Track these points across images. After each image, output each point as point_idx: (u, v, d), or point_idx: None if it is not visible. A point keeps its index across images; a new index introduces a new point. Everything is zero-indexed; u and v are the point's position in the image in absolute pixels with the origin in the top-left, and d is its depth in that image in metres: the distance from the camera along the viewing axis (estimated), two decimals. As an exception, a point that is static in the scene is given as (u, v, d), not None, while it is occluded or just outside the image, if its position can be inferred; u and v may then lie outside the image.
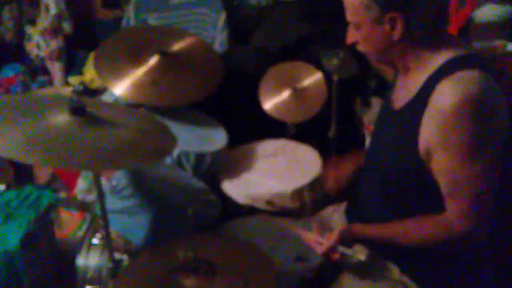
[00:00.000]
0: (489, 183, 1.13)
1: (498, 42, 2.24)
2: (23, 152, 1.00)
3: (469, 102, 1.07)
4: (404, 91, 1.23)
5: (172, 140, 1.28)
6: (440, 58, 1.15)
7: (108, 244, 1.26)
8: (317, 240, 1.26)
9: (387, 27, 1.14)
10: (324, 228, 1.51)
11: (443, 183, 1.15)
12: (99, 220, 1.32)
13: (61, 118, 1.09)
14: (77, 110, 1.09)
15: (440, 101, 1.09)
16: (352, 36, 1.21)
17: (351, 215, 1.52)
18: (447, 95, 1.09)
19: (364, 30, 1.17)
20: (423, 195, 1.21)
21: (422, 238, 1.20)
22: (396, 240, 1.21)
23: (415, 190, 1.21)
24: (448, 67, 1.12)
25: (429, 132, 1.13)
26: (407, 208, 1.25)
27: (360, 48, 1.23)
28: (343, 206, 1.62)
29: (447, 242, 1.18)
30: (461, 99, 1.07)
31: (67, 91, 2.47)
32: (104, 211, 1.23)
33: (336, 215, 1.59)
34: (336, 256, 1.22)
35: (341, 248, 1.21)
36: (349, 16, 1.19)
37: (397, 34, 1.14)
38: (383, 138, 1.31)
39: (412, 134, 1.15)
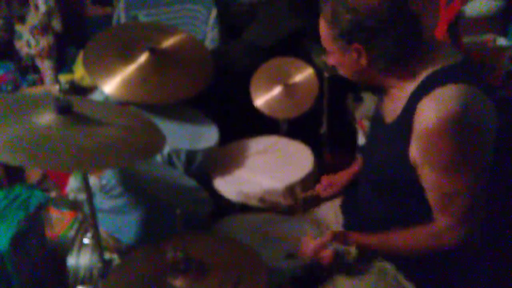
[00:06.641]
0: (477, 195, 1.15)
1: (488, 36, 2.24)
2: (8, 153, 0.98)
3: (449, 120, 1.09)
4: (392, 106, 1.26)
5: (161, 138, 1.27)
6: (420, 74, 1.17)
7: (97, 244, 1.25)
8: (308, 240, 1.26)
9: (354, 55, 1.20)
10: (320, 226, 1.51)
11: (431, 197, 1.18)
12: (89, 219, 1.30)
13: (48, 118, 1.08)
14: (63, 109, 1.08)
15: (421, 121, 1.12)
16: (329, 60, 1.29)
17: (348, 210, 1.53)
18: (426, 115, 1.11)
19: (336, 56, 1.25)
20: (418, 199, 1.23)
21: (414, 248, 1.23)
22: (389, 250, 1.24)
23: (410, 195, 1.24)
24: (427, 84, 1.15)
25: (415, 149, 1.16)
26: (403, 210, 1.28)
27: (339, 71, 1.30)
28: (337, 202, 1.62)
29: (437, 250, 1.21)
30: (440, 118, 1.09)
31: (57, 89, 2.45)
32: (93, 210, 1.22)
33: (330, 212, 1.60)
34: (327, 254, 1.21)
35: (334, 245, 1.21)
36: (323, 44, 1.27)
37: (364, 62, 1.19)
38: (377, 149, 1.34)
39: (403, 149, 1.18)
